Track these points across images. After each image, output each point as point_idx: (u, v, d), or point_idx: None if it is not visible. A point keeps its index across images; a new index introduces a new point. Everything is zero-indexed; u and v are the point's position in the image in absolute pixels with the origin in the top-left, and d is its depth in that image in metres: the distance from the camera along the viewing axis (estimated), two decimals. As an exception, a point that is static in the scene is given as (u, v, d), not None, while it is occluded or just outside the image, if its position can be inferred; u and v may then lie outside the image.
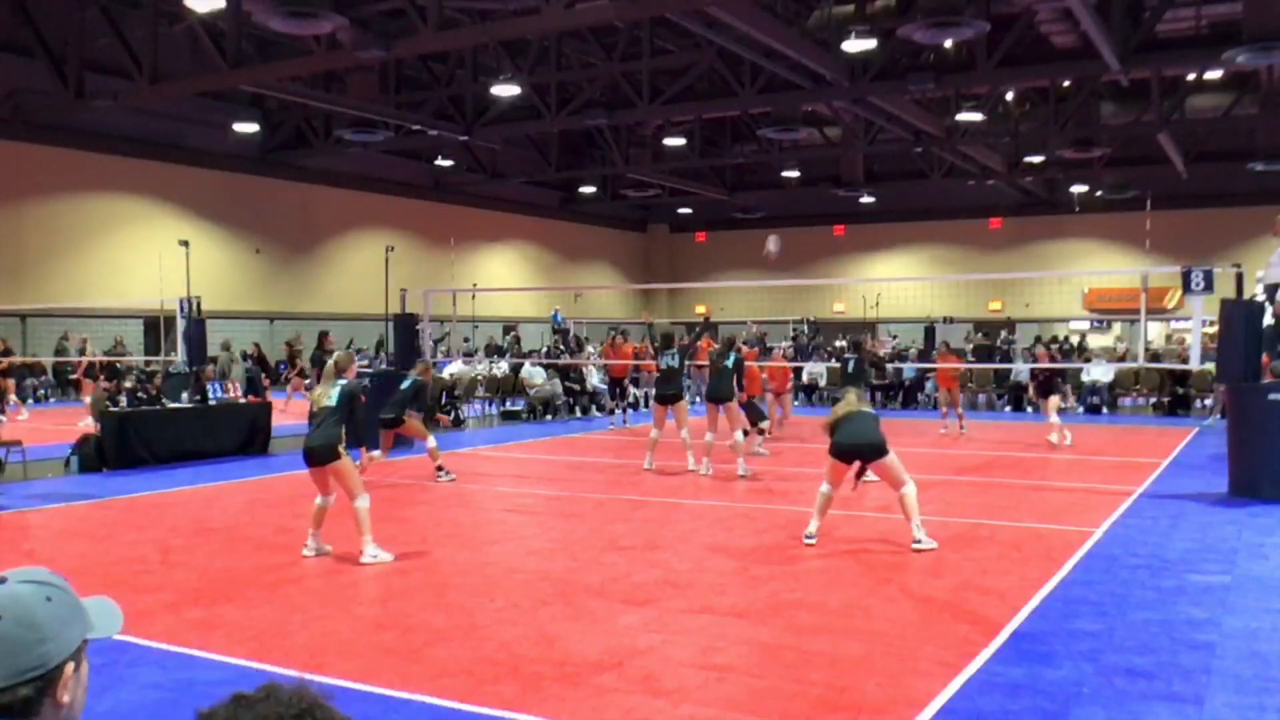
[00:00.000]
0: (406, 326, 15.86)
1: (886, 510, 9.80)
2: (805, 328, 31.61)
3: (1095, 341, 31.33)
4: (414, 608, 6.44)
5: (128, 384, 14.26)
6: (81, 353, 22.33)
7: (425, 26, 15.76)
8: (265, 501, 10.78)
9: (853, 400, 8.46)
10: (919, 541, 7.94)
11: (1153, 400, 21.40)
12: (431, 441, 12.03)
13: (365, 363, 24.76)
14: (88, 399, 15.66)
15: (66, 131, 24.38)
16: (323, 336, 15.84)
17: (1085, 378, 21.36)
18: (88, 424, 13.74)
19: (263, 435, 14.81)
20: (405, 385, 12.34)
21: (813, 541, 8.22)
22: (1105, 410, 21.05)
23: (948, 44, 17.90)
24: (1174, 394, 20.84)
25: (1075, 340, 30.10)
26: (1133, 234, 29.67)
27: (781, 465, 13.52)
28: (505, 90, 21.85)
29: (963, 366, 20.72)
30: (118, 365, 19.67)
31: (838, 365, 17.78)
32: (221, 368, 24.13)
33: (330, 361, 8.25)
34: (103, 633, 1.60)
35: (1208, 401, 20.14)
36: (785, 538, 8.61)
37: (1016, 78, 21.47)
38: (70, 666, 1.54)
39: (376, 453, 11.11)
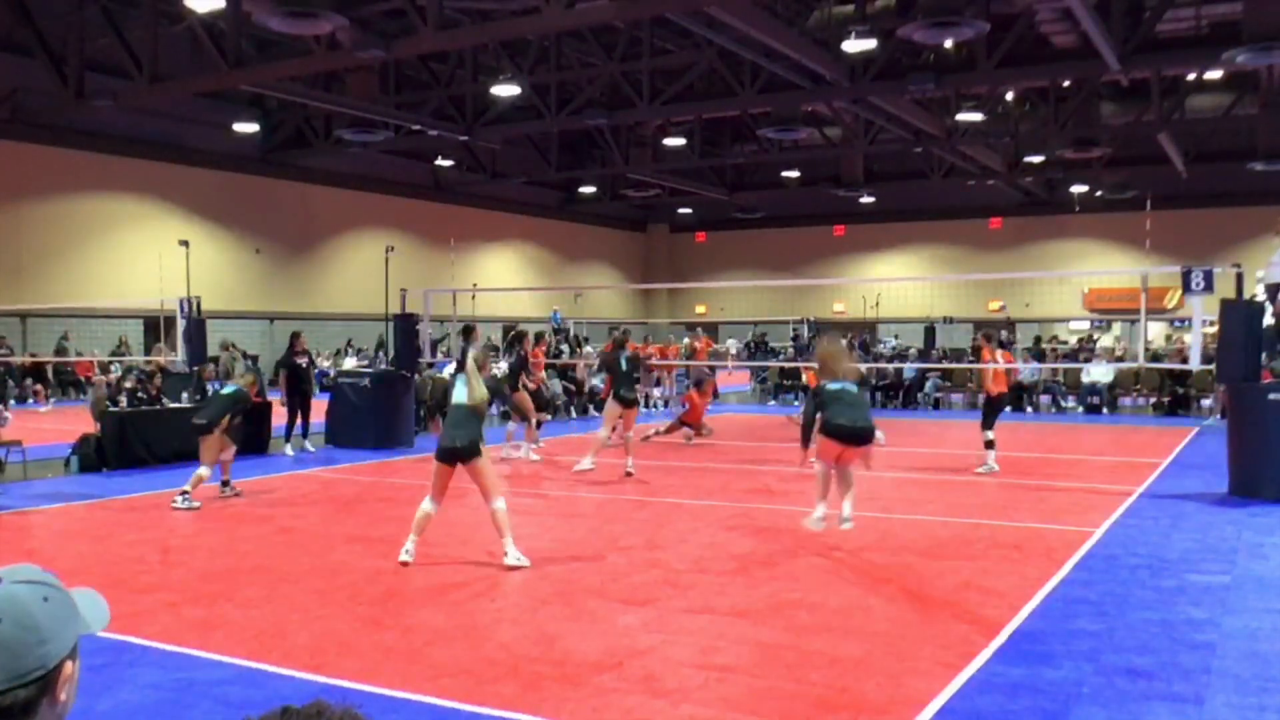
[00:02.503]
0: (406, 326, 15.85)
1: (887, 510, 9.81)
2: (805, 328, 31.62)
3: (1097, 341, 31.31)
4: (414, 608, 6.44)
5: (128, 384, 14.24)
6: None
7: (425, 26, 15.75)
8: (265, 501, 10.78)
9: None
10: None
11: (1153, 400, 21.40)
12: (204, 471, 10.44)
13: (365, 363, 24.86)
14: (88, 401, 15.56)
15: (66, 131, 24.39)
16: (294, 338, 15.10)
17: (1085, 378, 21.36)
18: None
19: (263, 435, 14.79)
20: (228, 390, 11.16)
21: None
22: (1105, 410, 21.04)
23: (948, 44, 17.90)
24: (1174, 394, 20.84)
25: (1074, 340, 30.02)
26: (1133, 234, 29.68)
27: (783, 465, 13.51)
28: (505, 90, 21.85)
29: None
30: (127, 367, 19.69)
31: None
32: (224, 367, 24.15)
33: (470, 360, 7.90)
34: (95, 627, 1.58)
35: (1207, 402, 20.13)
36: (785, 538, 8.60)
37: (1016, 78, 21.48)
38: (69, 665, 1.54)
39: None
